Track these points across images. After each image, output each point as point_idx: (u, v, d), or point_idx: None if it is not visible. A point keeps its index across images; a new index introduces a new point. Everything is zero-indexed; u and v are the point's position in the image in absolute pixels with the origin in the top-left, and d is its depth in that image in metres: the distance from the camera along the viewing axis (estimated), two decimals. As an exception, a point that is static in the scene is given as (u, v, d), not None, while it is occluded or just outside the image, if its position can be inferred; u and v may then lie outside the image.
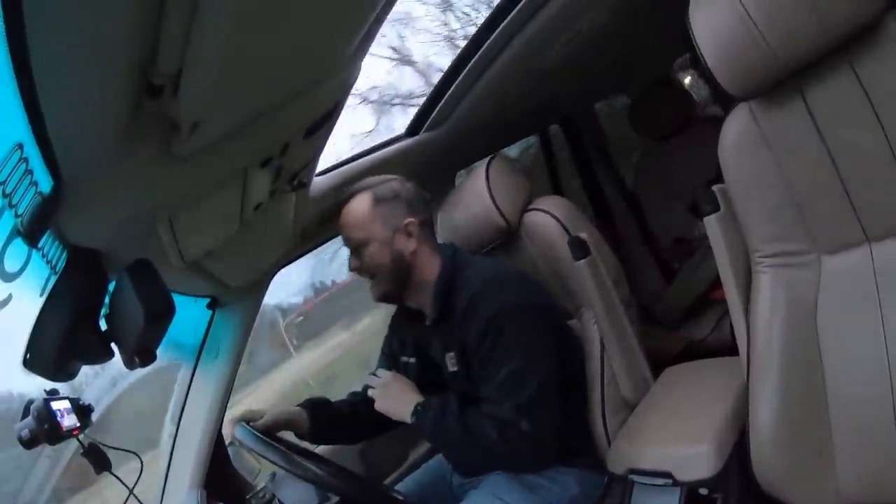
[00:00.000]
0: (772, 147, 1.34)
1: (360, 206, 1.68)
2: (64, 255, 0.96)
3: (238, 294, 1.78)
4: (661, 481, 1.52)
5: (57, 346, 0.98)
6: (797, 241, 1.37)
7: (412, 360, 1.82)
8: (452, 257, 1.71)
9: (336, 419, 1.86)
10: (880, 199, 1.28)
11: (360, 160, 1.98)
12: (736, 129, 1.37)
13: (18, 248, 0.82)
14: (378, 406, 1.71)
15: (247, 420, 1.68)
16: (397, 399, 1.69)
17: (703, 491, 1.48)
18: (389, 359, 1.93)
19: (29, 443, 1.23)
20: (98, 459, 1.41)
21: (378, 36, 1.18)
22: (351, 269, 1.73)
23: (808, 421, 1.35)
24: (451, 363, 1.68)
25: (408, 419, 1.65)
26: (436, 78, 1.88)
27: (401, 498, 1.55)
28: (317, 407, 1.86)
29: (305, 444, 1.82)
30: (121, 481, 1.45)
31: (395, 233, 1.66)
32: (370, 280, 1.72)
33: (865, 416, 1.30)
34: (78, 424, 1.30)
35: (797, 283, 1.37)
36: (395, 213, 1.67)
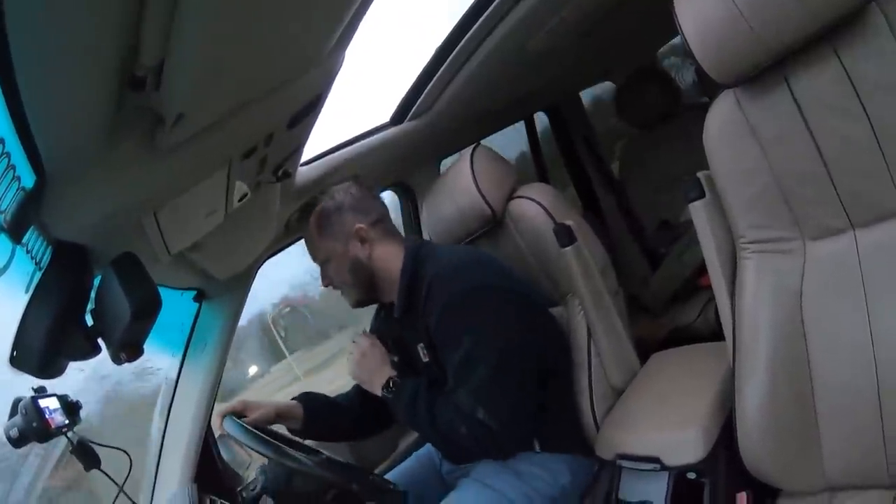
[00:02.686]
0: (757, 134, 1.34)
1: (311, 228, 1.73)
2: (48, 250, 0.96)
3: (224, 286, 1.78)
4: (649, 466, 1.53)
5: (43, 343, 0.97)
6: (782, 227, 1.38)
7: (395, 358, 1.82)
8: (416, 249, 1.72)
9: (332, 415, 1.86)
10: (864, 186, 1.29)
11: (345, 149, 1.97)
12: (721, 117, 1.38)
13: (2, 245, 0.81)
14: (351, 374, 1.78)
15: (237, 413, 1.67)
16: (372, 370, 1.72)
17: (691, 475, 1.49)
18: None
19: (18, 441, 1.22)
20: (87, 457, 1.40)
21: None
22: (323, 285, 1.80)
23: (793, 405, 1.36)
24: (423, 354, 1.71)
25: (378, 392, 1.69)
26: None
27: (392, 486, 1.56)
28: (312, 402, 1.85)
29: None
30: (110, 478, 1.44)
31: (348, 242, 1.70)
32: (342, 291, 1.79)
33: (850, 400, 1.32)
34: (67, 422, 1.30)
35: (782, 270, 1.38)
36: (342, 224, 1.70)
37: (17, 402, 1.24)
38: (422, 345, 1.70)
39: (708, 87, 3.08)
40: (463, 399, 1.54)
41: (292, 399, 1.84)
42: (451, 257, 1.69)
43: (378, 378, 1.69)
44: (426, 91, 1.96)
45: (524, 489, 1.63)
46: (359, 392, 1.88)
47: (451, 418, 1.55)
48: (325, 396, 1.92)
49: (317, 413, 1.82)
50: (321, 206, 1.72)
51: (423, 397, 1.61)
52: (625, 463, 1.59)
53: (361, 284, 1.75)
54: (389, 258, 1.71)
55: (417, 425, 1.65)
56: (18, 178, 0.76)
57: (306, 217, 1.74)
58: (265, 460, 1.54)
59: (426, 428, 1.62)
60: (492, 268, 1.70)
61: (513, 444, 1.63)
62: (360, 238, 1.70)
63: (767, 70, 1.28)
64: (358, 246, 1.70)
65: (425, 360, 1.71)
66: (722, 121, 1.38)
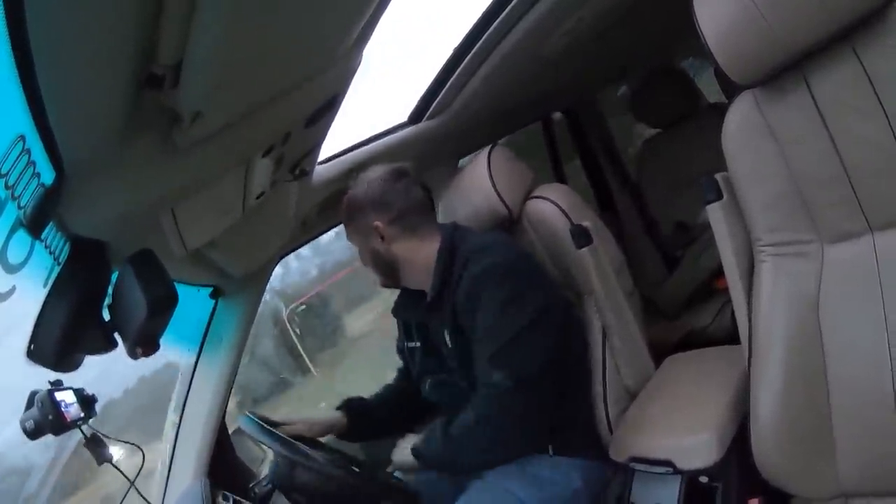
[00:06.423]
0: (775, 135, 1.33)
1: (342, 214, 1.82)
2: (67, 246, 0.96)
3: (241, 283, 1.79)
4: (661, 469, 1.52)
5: (60, 337, 0.98)
6: (800, 230, 1.36)
7: (417, 344, 1.85)
8: (451, 237, 1.73)
9: (374, 416, 1.95)
10: (883, 189, 1.27)
11: (362, 149, 1.97)
12: (739, 118, 1.37)
13: (22, 240, 0.82)
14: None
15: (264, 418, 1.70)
16: None
17: (704, 479, 1.48)
18: (401, 352, 1.98)
19: (33, 433, 1.23)
20: (99, 450, 1.41)
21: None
22: (362, 263, 1.86)
23: (808, 410, 1.35)
24: (448, 339, 1.70)
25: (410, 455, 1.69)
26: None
27: (405, 487, 1.56)
28: (354, 408, 1.95)
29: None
30: (122, 473, 1.45)
31: (367, 237, 1.75)
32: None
33: (866, 406, 1.30)
34: (82, 415, 1.31)
35: (799, 273, 1.37)
36: (362, 220, 1.75)
37: (33, 394, 1.25)
38: (447, 329, 1.69)
39: (727, 88, 3.05)
40: (481, 368, 1.57)
41: (336, 409, 1.96)
42: (483, 236, 1.74)
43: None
44: (444, 91, 1.95)
45: (536, 492, 1.62)
46: (394, 388, 2.01)
47: (474, 405, 1.57)
48: (362, 399, 2.01)
49: (360, 417, 1.93)
50: (347, 196, 1.77)
51: (452, 425, 1.61)
52: (637, 466, 1.58)
53: (382, 272, 1.81)
54: (411, 252, 1.74)
55: (467, 452, 1.62)
56: (38, 175, 0.77)
57: (327, 211, 1.77)
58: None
59: (472, 445, 1.60)
60: (519, 251, 1.74)
61: (520, 408, 1.55)
62: (380, 236, 1.72)
63: (786, 70, 1.27)
64: (378, 241, 1.73)
65: (450, 345, 1.70)
66: (740, 121, 1.37)
